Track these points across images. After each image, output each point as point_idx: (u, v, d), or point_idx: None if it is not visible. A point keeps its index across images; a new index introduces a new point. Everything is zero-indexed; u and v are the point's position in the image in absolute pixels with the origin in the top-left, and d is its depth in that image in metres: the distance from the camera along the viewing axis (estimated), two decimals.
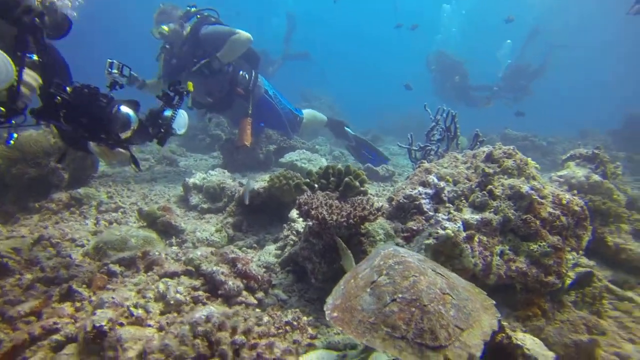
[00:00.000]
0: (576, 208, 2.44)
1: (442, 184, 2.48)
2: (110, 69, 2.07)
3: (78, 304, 1.89)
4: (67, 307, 1.82)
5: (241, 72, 5.46)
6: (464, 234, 2.25)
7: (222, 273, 2.09)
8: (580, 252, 2.41)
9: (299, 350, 1.34)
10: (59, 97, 1.60)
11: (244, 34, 4.99)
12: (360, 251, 2.28)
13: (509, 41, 17.07)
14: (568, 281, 2.39)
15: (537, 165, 2.74)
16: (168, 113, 2.16)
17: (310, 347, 1.48)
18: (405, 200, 2.41)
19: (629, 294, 2.87)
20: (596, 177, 3.82)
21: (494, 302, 1.71)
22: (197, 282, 2.11)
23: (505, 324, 1.59)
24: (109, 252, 2.52)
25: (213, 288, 2.09)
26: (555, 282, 2.22)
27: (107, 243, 2.62)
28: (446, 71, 15.23)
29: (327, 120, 6.86)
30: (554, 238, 2.30)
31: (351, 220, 2.15)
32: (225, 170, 4.09)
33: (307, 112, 6.53)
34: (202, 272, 2.15)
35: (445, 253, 2.25)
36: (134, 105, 2.00)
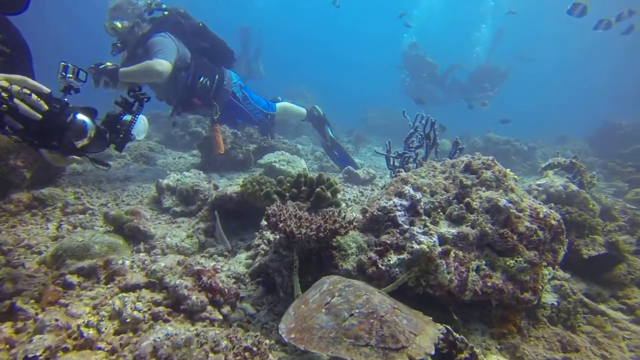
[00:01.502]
0: (553, 222, 2.41)
1: (418, 195, 2.42)
2: (64, 73, 1.95)
3: (20, 324, 1.73)
4: (6, 329, 1.68)
5: (202, 80, 5.03)
6: (439, 249, 2.20)
7: (186, 287, 1.99)
8: (557, 266, 2.39)
9: None
10: (4, 105, 1.46)
11: (160, 65, 4.29)
12: (331, 265, 2.21)
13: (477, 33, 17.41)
14: (544, 297, 2.37)
15: (515, 177, 2.72)
16: (127, 118, 2.06)
17: None
18: (379, 213, 2.35)
19: (602, 307, 2.88)
20: (573, 187, 3.83)
21: (431, 318, 1.82)
22: (159, 296, 2.00)
23: (476, 349, 1.54)
24: (68, 260, 2.39)
25: (176, 302, 1.99)
26: (531, 299, 2.19)
27: (67, 250, 2.48)
28: (417, 70, 15.45)
29: (306, 113, 6.57)
30: (530, 253, 2.27)
31: (321, 234, 2.08)
32: (201, 172, 3.96)
33: (280, 107, 6.19)
34: (165, 285, 2.05)
35: (421, 268, 2.19)
36: (91, 112, 1.89)
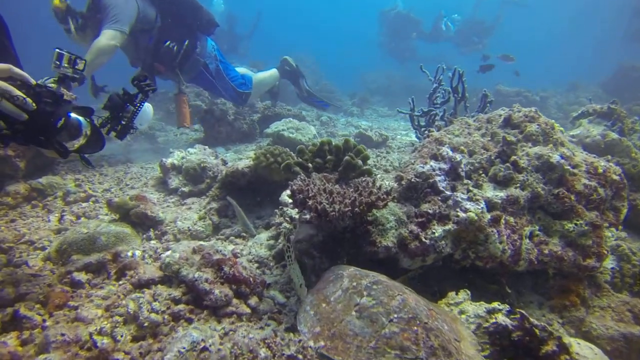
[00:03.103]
0: (614, 177, 2.12)
1: (457, 156, 2.12)
2: (58, 62, 1.67)
3: (26, 334, 1.51)
4: (11, 340, 1.46)
5: (167, 44, 4.40)
6: (488, 216, 1.93)
7: (206, 280, 1.75)
8: (619, 227, 2.13)
9: None
10: None
11: (108, 42, 3.75)
12: (369, 243, 1.95)
13: None
14: (607, 261, 2.12)
15: (562, 129, 2.40)
16: (131, 107, 1.84)
17: None
18: (417, 179, 2.06)
19: None
20: (613, 135, 3.50)
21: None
22: (177, 292, 1.77)
23: (552, 327, 1.29)
24: (74, 256, 2.15)
25: (197, 298, 1.76)
26: (596, 266, 1.94)
27: (72, 244, 2.24)
28: (399, 31, 15.11)
29: (278, 74, 6.00)
30: (591, 214, 1.99)
31: (356, 209, 1.80)
32: (206, 147, 3.66)
33: (255, 82, 5.51)
34: (182, 279, 1.80)
35: (468, 239, 1.93)
36: (86, 111, 1.63)
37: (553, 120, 2.36)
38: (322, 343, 1.38)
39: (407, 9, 15.53)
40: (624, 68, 12.16)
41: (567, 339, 1.27)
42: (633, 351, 1.81)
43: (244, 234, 2.67)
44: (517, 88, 10.25)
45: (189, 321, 1.64)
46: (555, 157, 2.07)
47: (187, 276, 1.76)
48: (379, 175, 2.41)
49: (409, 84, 14.73)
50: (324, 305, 1.56)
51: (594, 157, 2.27)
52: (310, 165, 2.16)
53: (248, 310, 1.79)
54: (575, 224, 1.97)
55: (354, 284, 1.58)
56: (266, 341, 1.23)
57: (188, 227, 2.65)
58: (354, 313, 1.43)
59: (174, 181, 3.42)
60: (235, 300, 1.78)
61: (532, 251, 1.95)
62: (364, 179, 2.00)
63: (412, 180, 2.07)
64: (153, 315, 1.58)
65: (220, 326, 1.63)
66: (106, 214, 2.90)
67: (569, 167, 2.07)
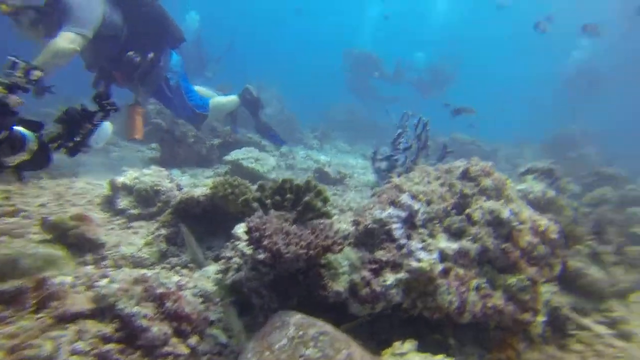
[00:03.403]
0: (553, 236, 2.25)
1: (416, 205, 2.17)
2: (11, 71, 1.57)
3: None
4: None
5: (130, 53, 4.19)
6: (440, 267, 1.96)
7: (145, 316, 1.62)
8: (552, 282, 2.25)
9: None
10: None
11: (67, 45, 3.47)
12: (320, 286, 1.91)
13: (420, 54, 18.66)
14: (540, 317, 2.22)
15: (512, 185, 2.55)
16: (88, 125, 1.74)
17: None
18: (374, 225, 2.07)
19: (587, 321, 2.80)
20: (552, 193, 3.78)
21: None
22: (108, 329, 1.61)
23: None
24: None
25: (131, 335, 1.61)
26: (531, 320, 2.02)
27: None
28: (361, 68, 16.05)
29: (238, 101, 5.82)
30: (532, 269, 2.09)
31: (312, 252, 1.77)
32: (163, 169, 3.52)
33: (213, 105, 5.30)
34: (118, 314, 1.65)
35: (419, 289, 1.94)
36: (35, 125, 1.53)
37: (506, 176, 2.51)
38: None
39: (371, 49, 16.52)
40: (562, 130, 13.48)
41: None
42: None
43: (191, 264, 2.54)
44: (471, 137, 10.95)
45: None
46: (505, 213, 2.18)
47: (124, 310, 1.62)
48: (335, 217, 2.41)
49: (372, 121, 15.36)
50: (267, 353, 1.49)
51: (538, 214, 2.42)
52: (268, 202, 2.11)
53: (186, 351, 1.66)
54: (518, 279, 2.05)
55: (301, 332, 1.52)
56: None
57: (132, 253, 2.48)
58: None
59: (123, 202, 3.23)
60: (173, 340, 1.66)
61: (477, 304, 2.00)
62: (321, 222, 1.99)
63: (370, 226, 2.08)
64: (74, 359, 1.42)
65: None
66: (35, 233, 2.64)
67: (516, 224, 2.18)
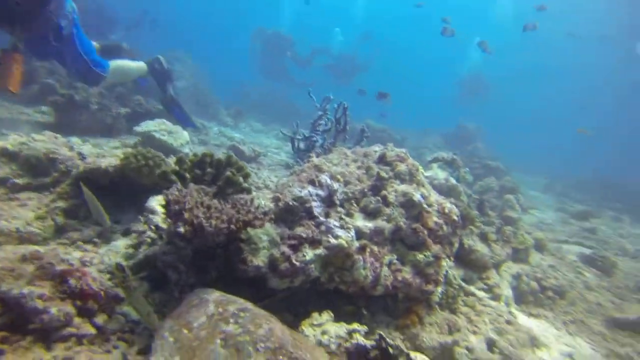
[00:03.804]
0: (454, 217, 2.56)
1: (335, 185, 2.28)
2: None
3: None
4: None
5: None
6: (356, 244, 2.11)
7: (41, 296, 1.46)
8: (451, 258, 2.56)
9: None
10: None
11: None
12: (240, 260, 1.92)
13: (337, 29, 19.52)
14: (439, 287, 2.52)
15: (423, 171, 2.81)
16: None
17: None
18: (294, 203, 2.13)
19: (473, 288, 3.26)
20: (453, 181, 4.24)
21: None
22: None
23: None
24: None
25: (20, 320, 1.45)
26: (433, 290, 2.29)
27: None
28: (274, 49, 16.24)
29: (146, 69, 5.36)
30: (436, 247, 2.36)
31: (232, 226, 1.77)
32: (59, 136, 3.12)
33: (114, 66, 4.71)
34: (0, 296, 1.47)
35: (336, 264, 2.07)
36: None
37: (417, 163, 2.75)
38: None
39: (286, 31, 16.49)
40: (459, 125, 15.13)
41: (413, 354, 1.47)
42: (445, 354, 2.20)
43: (96, 240, 2.34)
44: (382, 125, 11.62)
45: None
46: (417, 196, 2.40)
47: (11, 292, 1.44)
48: (255, 194, 2.41)
49: (287, 104, 15.42)
50: (185, 331, 1.46)
51: (443, 198, 2.72)
52: (188, 175, 2.04)
53: (92, 331, 1.56)
54: (424, 255, 2.30)
55: (220, 310, 1.52)
56: None
57: (17, 228, 2.19)
58: (218, 341, 1.36)
59: (2, 169, 2.80)
60: (76, 320, 1.53)
61: (388, 277, 2.20)
62: (242, 197, 1.98)
63: (290, 203, 2.14)
64: None
65: (49, 355, 1.37)
66: None
67: (425, 206, 2.43)
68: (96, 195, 2.35)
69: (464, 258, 3.35)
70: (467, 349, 2.53)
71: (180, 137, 4.50)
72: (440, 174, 4.15)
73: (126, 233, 2.48)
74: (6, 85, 3.52)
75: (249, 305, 1.61)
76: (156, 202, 2.43)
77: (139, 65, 5.26)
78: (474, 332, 2.75)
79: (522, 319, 3.41)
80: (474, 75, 20.94)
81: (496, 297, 3.31)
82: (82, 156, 3.02)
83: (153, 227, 2.28)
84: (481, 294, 3.31)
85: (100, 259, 2.16)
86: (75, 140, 4.27)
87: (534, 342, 3.01)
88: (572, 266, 5.20)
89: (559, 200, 11.39)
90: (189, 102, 9.22)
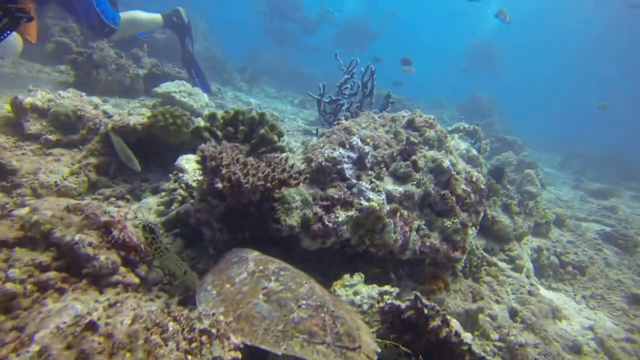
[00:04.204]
0: (482, 186, 2.52)
1: (366, 148, 2.24)
2: None
3: None
4: None
5: None
6: (387, 207, 2.09)
7: (90, 244, 1.49)
8: (477, 226, 2.54)
9: None
10: None
11: None
12: (273, 220, 1.92)
13: None
14: (464, 255, 2.52)
15: (450, 138, 2.75)
16: None
17: None
18: (327, 163, 2.11)
19: (495, 259, 3.27)
20: (474, 152, 4.16)
21: None
22: (44, 257, 1.46)
23: (454, 322, 1.49)
24: None
25: (74, 265, 1.48)
26: (460, 257, 2.29)
27: None
28: (280, 12, 15.77)
29: (162, 22, 5.19)
30: (464, 215, 2.34)
31: (269, 185, 1.76)
32: (84, 94, 3.11)
33: (125, 19, 4.66)
34: (54, 242, 1.50)
35: (367, 227, 2.06)
36: None
37: (446, 130, 2.69)
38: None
39: None
40: (474, 97, 14.77)
41: (448, 316, 1.48)
42: (469, 320, 2.23)
43: (128, 196, 2.36)
44: (399, 96, 11.41)
45: (61, 291, 1.37)
46: (446, 163, 2.36)
47: (64, 238, 1.47)
48: (288, 153, 2.39)
49: (297, 70, 15.16)
50: (227, 286, 1.49)
51: (470, 167, 2.67)
52: (220, 133, 2.01)
53: (136, 280, 1.59)
54: (452, 222, 2.29)
55: (261, 267, 1.54)
56: (172, 314, 1.10)
57: (55, 182, 2.22)
58: (261, 296, 1.39)
59: (34, 125, 2.80)
60: (122, 269, 1.56)
61: (417, 242, 2.20)
62: (277, 155, 1.96)
63: (322, 163, 2.11)
64: (9, 285, 1.28)
65: (103, 297, 1.41)
66: None
67: (454, 173, 2.39)
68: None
69: (487, 228, 3.33)
70: (491, 316, 2.56)
71: (200, 99, 4.46)
72: (462, 145, 4.07)
73: (155, 191, 2.50)
74: (25, 34, 3.48)
75: (287, 265, 1.63)
76: (185, 161, 2.43)
77: (153, 17, 5.10)
78: (497, 302, 2.78)
79: (543, 291, 3.42)
80: (483, 44, 20.28)
81: (518, 269, 3.31)
82: (108, 114, 3.02)
83: (183, 185, 2.28)
84: (503, 264, 3.32)
85: (133, 214, 2.18)
86: (96, 100, 4.26)
87: (556, 314, 3.02)
88: (592, 243, 5.16)
89: (575, 177, 11.20)
90: (205, 65, 9.12)
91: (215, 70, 10.31)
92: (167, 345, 0.93)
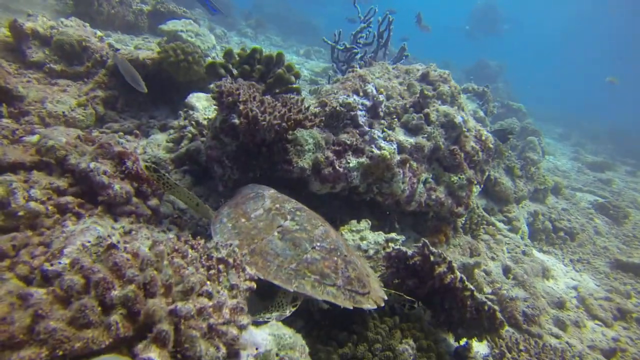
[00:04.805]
0: (490, 145, 2.52)
1: (380, 96, 2.20)
2: None
3: None
4: None
5: None
6: (398, 157, 2.09)
7: (105, 173, 1.49)
8: (481, 185, 2.57)
9: (242, 306, 0.99)
10: None
11: None
12: (285, 161, 1.92)
13: None
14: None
15: (463, 95, 2.71)
16: None
17: (250, 291, 1.15)
18: (341, 108, 2.08)
19: (493, 219, 3.34)
20: (481, 113, 4.13)
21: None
22: (61, 182, 1.46)
23: (455, 264, 1.54)
24: None
25: (89, 192, 1.49)
26: (463, 213, 2.33)
27: None
28: None
29: None
30: (470, 172, 2.35)
31: (284, 124, 1.74)
32: (87, 24, 2.97)
33: None
34: (69, 168, 1.50)
35: (376, 175, 2.07)
36: None
37: (459, 86, 2.63)
38: None
39: None
40: (481, 61, 14.49)
41: (453, 263, 1.53)
42: (465, 273, 2.32)
43: (136, 132, 2.34)
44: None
45: (78, 216, 1.39)
46: (458, 118, 2.33)
47: (79, 165, 1.46)
48: (305, 95, 2.35)
49: (304, 20, 14.56)
50: (243, 220, 1.51)
51: (480, 125, 2.65)
52: (235, 71, 1.96)
53: (148, 212, 1.61)
54: (459, 178, 2.30)
55: (277, 205, 1.55)
56: (189, 242, 1.13)
57: (63, 112, 2.18)
58: (276, 234, 1.42)
59: (37, 53, 2.70)
60: (135, 199, 1.58)
61: (423, 195, 2.22)
62: (292, 96, 1.92)
63: (337, 108, 2.08)
64: (33, 204, 1.29)
65: (118, 225, 1.43)
66: None
67: (465, 130, 2.37)
68: (132, 92, 2.27)
69: (488, 189, 3.37)
70: (485, 272, 2.65)
71: (207, 41, 4.31)
72: (470, 105, 4.02)
73: (163, 128, 2.47)
74: None
75: (303, 205, 1.64)
76: (195, 99, 2.39)
77: None
78: (493, 259, 2.87)
79: (536, 252, 3.53)
80: (488, 6, 19.53)
81: (514, 230, 3.39)
82: (112, 47, 2.91)
83: (194, 123, 2.26)
84: (501, 225, 3.40)
85: (142, 149, 2.17)
86: (99, 33, 4.09)
87: (545, 273, 3.14)
88: (585, 212, 5.27)
89: (574, 149, 11.23)
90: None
91: (219, 13, 9.88)
92: (188, 268, 0.96)
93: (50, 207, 1.33)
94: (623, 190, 7.44)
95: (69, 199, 1.40)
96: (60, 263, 0.93)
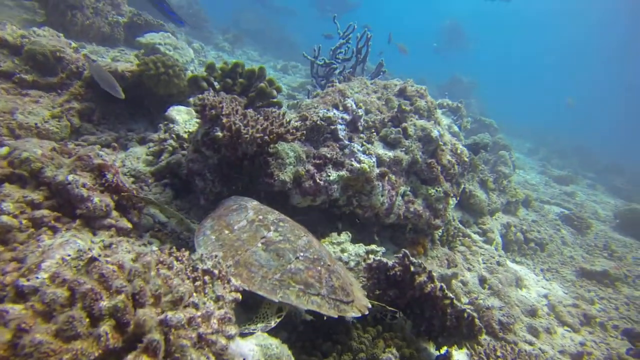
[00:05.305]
0: (465, 159, 2.62)
1: (360, 111, 2.26)
2: None
3: None
4: None
5: None
6: (377, 170, 2.14)
7: (84, 185, 1.46)
8: (457, 198, 2.65)
9: (230, 316, 0.98)
10: None
11: None
12: (266, 174, 1.94)
13: None
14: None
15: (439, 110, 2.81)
16: None
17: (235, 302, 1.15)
18: (322, 122, 2.12)
19: (469, 231, 3.44)
20: (455, 128, 4.28)
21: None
22: (36, 195, 1.42)
23: (435, 274, 1.58)
24: None
25: (66, 205, 1.45)
26: (440, 225, 2.39)
27: None
28: None
29: None
30: (447, 184, 2.43)
31: (267, 137, 1.76)
32: (61, 34, 2.92)
33: None
34: (45, 181, 1.46)
35: (356, 188, 2.11)
36: None
37: (435, 101, 2.74)
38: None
39: None
40: (454, 78, 15.09)
41: (433, 273, 1.57)
42: (445, 283, 2.37)
43: (114, 145, 2.29)
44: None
45: (55, 230, 1.35)
46: (435, 132, 2.42)
47: (56, 178, 1.42)
48: (285, 109, 2.38)
49: (281, 36, 14.77)
50: (226, 232, 1.51)
51: (455, 139, 2.75)
52: (217, 84, 1.97)
53: (129, 225, 1.58)
54: (436, 190, 2.38)
55: (260, 217, 1.56)
56: (173, 254, 1.12)
57: (35, 124, 2.12)
58: (260, 245, 1.42)
59: (5, 62, 2.62)
60: (114, 213, 1.55)
61: (401, 207, 2.28)
62: (274, 110, 1.95)
63: (318, 122, 2.12)
64: (5, 218, 1.24)
65: (97, 239, 1.40)
66: None
67: (441, 143, 2.46)
68: (106, 102, 2.23)
69: (464, 201, 3.48)
70: (462, 282, 2.72)
71: (185, 54, 4.30)
72: (444, 120, 4.17)
73: (142, 141, 2.43)
74: None
75: (286, 217, 1.66)
76: (176, 112, 2.37)
77: None
78: (469, 269, 2.95)
79: (509, 263, 3.65)
80: (453, 25, 20.61)
81: (489, 241, 3.50)
82: (89, 59, 2.85)
83: (174, 136, 2.24)
84: (476, 237, 3.50)
85: (122, 162, 2.13)
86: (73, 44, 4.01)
87: (519, 283, 3.25)
88: (553, 223, 5.50)
89: (541, 164, 11.74)
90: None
91: (197, 28, 9.89)
92: (175, 279, 0.95)
93: (24, 221, 1.28)
94: (585, 202, 7.82)
95: (45, 212, 1.36)
96: (37, 278, 0.90)
